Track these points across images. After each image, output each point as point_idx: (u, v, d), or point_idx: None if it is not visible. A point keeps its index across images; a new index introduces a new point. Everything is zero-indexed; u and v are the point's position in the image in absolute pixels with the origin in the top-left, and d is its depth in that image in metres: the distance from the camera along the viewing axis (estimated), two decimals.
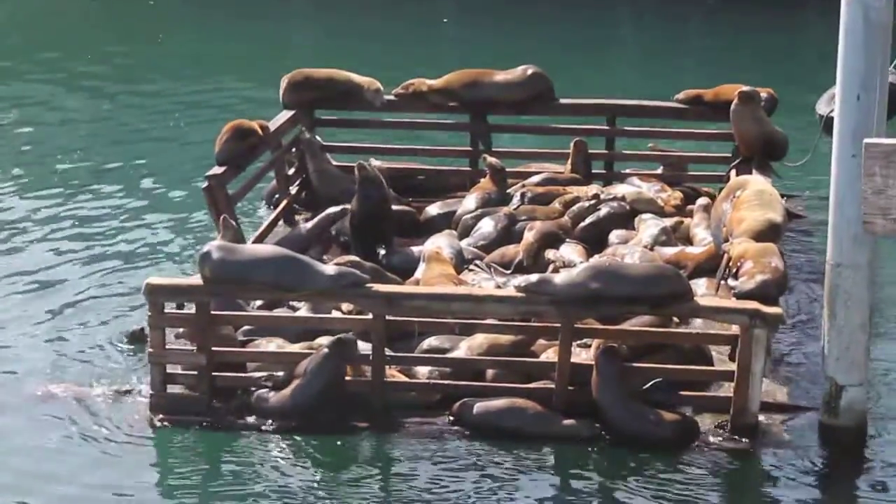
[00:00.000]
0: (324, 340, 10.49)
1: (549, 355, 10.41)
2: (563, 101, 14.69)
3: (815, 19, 26.68)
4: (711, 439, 9.98)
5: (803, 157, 13.21)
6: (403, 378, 10.49)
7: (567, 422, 10.02)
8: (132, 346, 11.29)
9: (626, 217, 12.97)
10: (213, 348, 10.30)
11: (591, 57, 25.55)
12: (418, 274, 11.71)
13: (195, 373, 10.32)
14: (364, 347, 10.28)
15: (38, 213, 15.27)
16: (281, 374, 10.30)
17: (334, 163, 14.33)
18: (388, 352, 10.30)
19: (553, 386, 10.17)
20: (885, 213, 5.34)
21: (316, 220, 12.79)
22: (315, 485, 9.47)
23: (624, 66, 25.55)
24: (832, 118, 9.99)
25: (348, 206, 12.62)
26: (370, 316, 10.25)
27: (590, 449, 9.88)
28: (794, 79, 19.47)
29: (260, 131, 13.23)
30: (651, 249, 12.10)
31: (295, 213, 13.86)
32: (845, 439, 9.97)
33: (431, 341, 10.71)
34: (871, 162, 5.30)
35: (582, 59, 24.87)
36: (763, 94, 13.78)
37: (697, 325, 10.87)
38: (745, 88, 13.47)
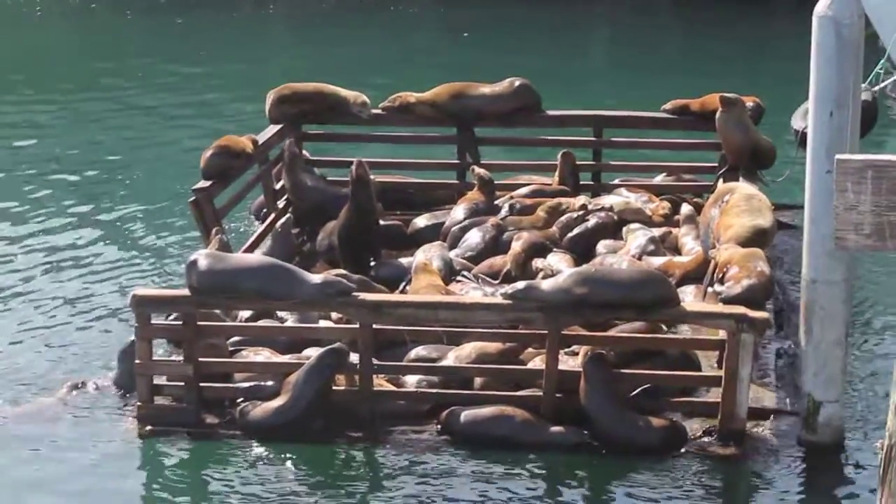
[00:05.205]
0: (312, 351, 10.47)
1: (537, 363, 10.40)
2: (549, 112, 14.66)
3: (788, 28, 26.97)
4: (699, 445, 9.97)
5: (788, 168, 13.19)
6: (391, 387, 10.47)
7: (555, 429, 9.99)
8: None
9: (613, 227, 12.96)
10: (201, 359, 10.29)
11: (567, 65, 25.59)
12: (406, 284, 11.72)
13: (182, 384, 10.31)
14: (353, 358, 10.26)
15: (21, 229, 15.26)
16: (270, 384, 10.28)
17: (329, 178, 14.28)
18: (375, 361, 10.28)
19: (541, 393, 10.16)
20: (858, 229, 5.30)
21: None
22: (303, 495, 9.44)
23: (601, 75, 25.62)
24: (807, 133, 9.96)
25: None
26: (357, 325, 10.24)
27: (578, 456, 9.85)
28: (774, 87, 19.44)
29: (250, 147, 13.24)
30: (639, 259, 12.09)
31: None
32: (823, 455, 9.90)
33: (419, 351, 10.69)
34: (842, 178, 5.27)
35: (558, 67, 24.89)
36: (749, 103, 13.71)
37: (685, 331, 10.87)
38: (727, 94, 13.44)
